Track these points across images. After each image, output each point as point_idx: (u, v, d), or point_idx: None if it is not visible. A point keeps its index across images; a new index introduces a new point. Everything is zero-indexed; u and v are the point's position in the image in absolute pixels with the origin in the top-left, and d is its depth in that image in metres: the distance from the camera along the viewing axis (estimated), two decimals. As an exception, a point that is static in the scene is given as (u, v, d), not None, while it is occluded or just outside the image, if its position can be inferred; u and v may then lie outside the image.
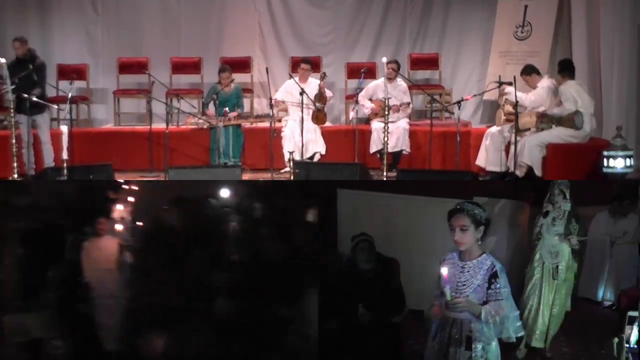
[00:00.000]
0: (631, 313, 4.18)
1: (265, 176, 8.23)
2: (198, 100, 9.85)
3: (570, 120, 7.71)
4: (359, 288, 4.24)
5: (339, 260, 4.70)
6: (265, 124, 8.54)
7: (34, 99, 7.86)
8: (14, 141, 7.52)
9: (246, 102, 9.55)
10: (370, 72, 9.62)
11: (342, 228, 5.49)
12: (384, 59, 8.70)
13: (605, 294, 6.31)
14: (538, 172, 7.72)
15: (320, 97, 8.75)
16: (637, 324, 4.16)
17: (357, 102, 8.81)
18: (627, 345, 4.11)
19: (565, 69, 7.95)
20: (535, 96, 8.05)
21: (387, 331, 4.18)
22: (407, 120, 8.95)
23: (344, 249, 4.78)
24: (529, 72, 8.18)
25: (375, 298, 4.17)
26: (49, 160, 8.30)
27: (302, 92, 8.14)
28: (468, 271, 3.54)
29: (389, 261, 4.51)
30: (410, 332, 4.56)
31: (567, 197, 5.12)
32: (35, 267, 4.03)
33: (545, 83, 8.13)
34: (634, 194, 5.85)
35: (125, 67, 10.13)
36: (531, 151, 7.70)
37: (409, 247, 5.43)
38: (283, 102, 8.90)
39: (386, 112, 8.02)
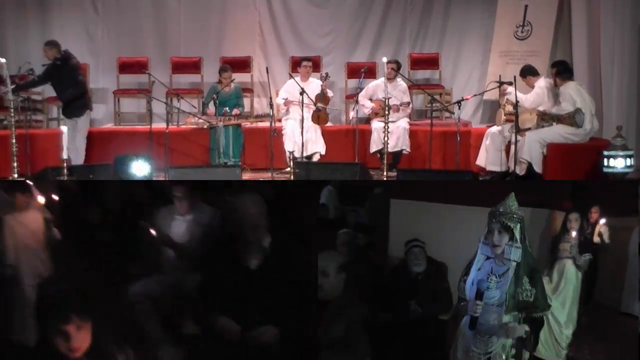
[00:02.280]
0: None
1: (266, 176, 8.24)
2: (198, 100, 9.85)
3: (571, 118, 7.72)
4: (410, 287, 4.59)
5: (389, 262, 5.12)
6: (265, 124, 8.53)
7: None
8: (14, 141, 7.53)
9: (246, 102, 9.55)
10: (370, 72, 9.63)
11: (393, 234, 5.75)
12: (384, 59, 8.71)
13: None
14: (538, 168, 7.72)
15: (323, 97, 8.75)
16: None
17: (357, 102, 8.81)
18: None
19: (565, 71, 7.97)
20: (533, 96, 8.07)
21: (435, 326, 4.46)
22: (407, 120, 8.95)
23: (395, 252, 5.22)
24: (525, 74, 8.21)
25: (425, 297, 4.52)
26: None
27: (302, 92, 8.14)
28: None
29: (439, 264, 4.82)
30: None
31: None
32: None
33: (542, 83, 8.14)
34: None
35: (125, 67, 10.13)
36: (531, 147, 7.70)
37: (454, 253, 5.52)
38: (291, 101, 8.79)
39: (386, 112, 8.02)
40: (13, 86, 7.65)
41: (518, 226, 3.63)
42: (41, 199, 4.46)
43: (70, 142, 8.01)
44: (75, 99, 8.12)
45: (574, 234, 5.21)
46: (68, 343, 2.37)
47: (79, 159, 8.19)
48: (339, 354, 4.18)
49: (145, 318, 4.03)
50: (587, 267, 5.35)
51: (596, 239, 5.67)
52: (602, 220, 5.76)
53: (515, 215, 3.66)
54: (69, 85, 8.11)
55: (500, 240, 3.65)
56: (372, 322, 4.36)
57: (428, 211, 5.47)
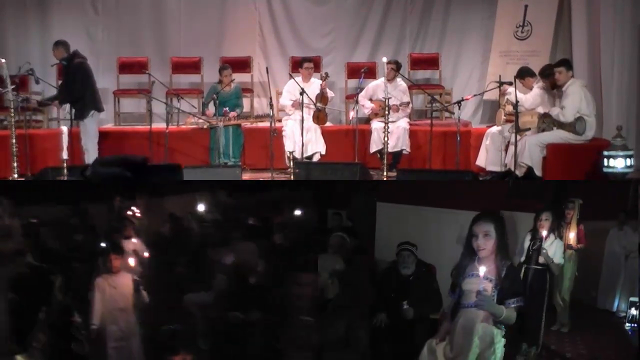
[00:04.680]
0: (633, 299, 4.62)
1: (266, 176, 8.23)
2: (198, 100, 9.85)
3: (571, 125, 7.70)
4: (402, 289, 4.69)
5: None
6: (265, 124, 8.53)
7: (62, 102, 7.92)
8: (14, 141, 7.53)
9: (246, 102, 9.56)
10: (370, 72, 9.62)
11: (380, 238, 5.78)
12: (384, 59, 8.71)
13: (620, 305, 6.38)
14: (538, 172, 7.72)
15: (322, 97, 8.75)
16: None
17: (357, 102, 8.80)
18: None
19: (571, 68, 7.90)
20: (533, 97, 8.07)
21: (427, 325, 4.58)
22: (407, 120, 8.95)
23: (382, 255, 5.24)
24: (522, 75, 8.19)
25: (415, 298, 4.62)
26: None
27: (302, 92, 8.14)
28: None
29: (428, 266, 4.91)
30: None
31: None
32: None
33: (540, 83, 8.13)
34: None
35: (125, 67, 10.13)
36: (531, 151, 7.70)
37: (440, 256, 5.58)
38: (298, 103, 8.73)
39: (386, 112, 8.02)
40: (13, 86, 7.65)
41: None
42: (132, 261, 4.48)
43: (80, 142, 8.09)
44: (76, 100, 8.09)
45: (544, 233, 5.02)
46: None
47: (89, 161, 8.10)
48: (339, 353, 4.24)
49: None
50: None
51: (570, 241, 5.56)
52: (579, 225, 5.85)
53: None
54: (71, 85, 8.10)
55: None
56: (369, 322, 4.48)
57: (415, 214, 5.48)
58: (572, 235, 5.67)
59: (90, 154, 8.16)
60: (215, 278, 4.68)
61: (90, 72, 8.38)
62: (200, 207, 4.95)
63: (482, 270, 3.77)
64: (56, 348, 3.50)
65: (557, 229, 5.25)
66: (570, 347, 5.53)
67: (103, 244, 4.55)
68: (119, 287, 4.60)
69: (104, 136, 9.16)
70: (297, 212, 4.87)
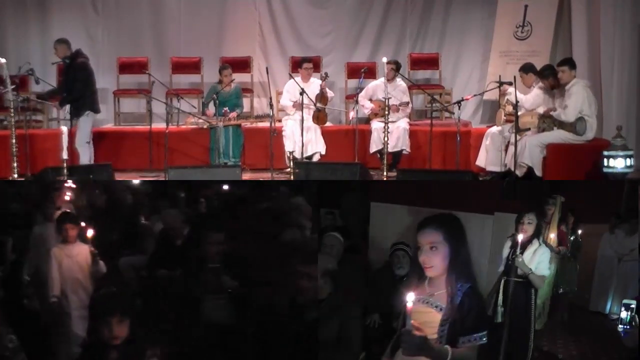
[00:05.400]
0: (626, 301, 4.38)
1: (266, 176, 8.23)
2: (198, 100, 9.85)
3: (572, 126, 7.70)
4: (395, 289, 4.54)
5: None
6: (265, 124, 8.53)
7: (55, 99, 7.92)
8: (14, 141, 7.53)
9: (246, 102, 9.55)
10: (370, 72, 9.62)
11: (373, 237, 5.78)
12: (384, 59, 8.70)
13: (612, 307, 6.43)
14: (538, 172, 7.72)
15: (322, 97, 8.75)
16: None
17: (357, 102, 8.80)
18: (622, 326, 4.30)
19: (575, 67, 7.88)
20: (533, 98, 8.06)
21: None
22: (407, 120, 8.95)
23: (375, 255, 5.25)
24: (527, 70, 8.17)
25: None
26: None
27: (302, 92, 8.14)
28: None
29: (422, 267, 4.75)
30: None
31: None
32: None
33: (540, 83, 8.12)
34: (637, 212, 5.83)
35: (125, 67, 10.13)
36: (532, 151, 7.69)
37: None
38: (299, 103, 8.73)
39: (386, 112, 8.02)
40: (13, 86, 7.64)
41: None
42: (90, 232, 4.60)
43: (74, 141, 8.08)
44: (75, 99, 8.08)
45: (520, 237, 4.21)
46: (110, 333, 3.04)
47: (83, 161, 8.15)
48: (334, 352, 4.23)
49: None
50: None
51: (550, 242, 5.40)
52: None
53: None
54: (72, 84, 8.10)
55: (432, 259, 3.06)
56: (362, 322, 4.44)
57: (409, 214, 5.46)
58: (552, 236, 5.57)
59: (82, 153, 8.17)
60: (147, 242, 5.26)
61: (92, 72, 8.39)
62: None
63: (429, 295, 2.92)
64: (11, 304, 3.71)
65: (543, 233, 4.76)
66: (563, 348, 5.60)
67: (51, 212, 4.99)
68: (74, 256, 4.66)
69: (104, 136, 9.17)
70: (224, 187, 5.87)
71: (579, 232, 6.27)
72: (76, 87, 8.10)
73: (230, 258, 4.34)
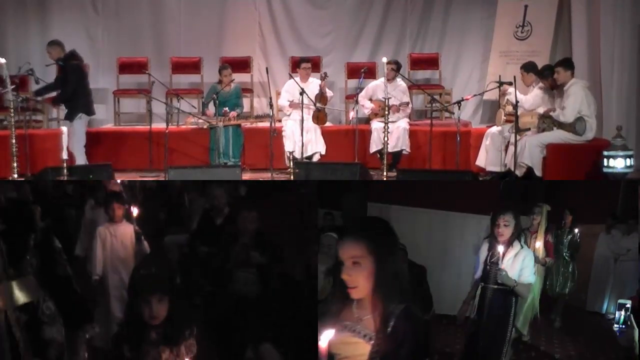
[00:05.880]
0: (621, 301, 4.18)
1: (265, 176, 8.23)
2: (198, 100, 9.85)
3: (571, 126, 7.69)
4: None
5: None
6: (265, 124, 8.53)
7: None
8: (14, 141, 7.53)
9: (246, 102, 9.55)
10: (370, 72, 9.63)
11: None
12: (384, 59, 8.70)
13: (609, 307, 6.44)
14: (538, 172, 7.72)
15: (321, 97, 8.75)
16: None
17: (357, 102, 8.80)
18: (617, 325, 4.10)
19: (570, 67, 7.89)
20: (532, 98, 8.06)
21: (419, 325, 4.40)
22: (407, 120, 8.94)
23: None
24: (528, 69, 8.17)
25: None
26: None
27: (302, 92, 8.14)
28: None
29: (419, 267, 4.81)
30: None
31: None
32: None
33: (541, 83, 8.12)
34: (634, 212, 5.84)
35: (125, 67, 10.13)
36: (531, 151, 7.69)
37: (431, 257, 5.59)
38: (297, 103, 8.71)
39: (386, 112, 8.02)
40: (13, 86, 7.64)
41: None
42: (135, 211, 4.67)
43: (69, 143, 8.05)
44: (66, 101, 8.07)
45: (500, 249, 3.84)
46: (151, 312, 3.00)
47: (78, 162, 8.11)
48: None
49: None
50: None
51: (536, 252, 5.29)
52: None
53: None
54: (63, 86, 8.09)
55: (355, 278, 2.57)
56: None
57: (406, 214, 5.47)
58: (538, 245, 5.50)
59: (76, 156, 8.14)
60: (191, 221, 5.46)
61: (85, 75, 8.39)
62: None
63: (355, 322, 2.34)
64: (44, 271, 3.72)
65: (523, 235, 4.27)
66: (560, 348, 5.64)
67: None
68: (119, 236, 4.68)
69: (104, 136, 9.18)
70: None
71: (577, 232, 6.26)
72: (67, 89, 8.09)
73: (260, 235, 4.53)
